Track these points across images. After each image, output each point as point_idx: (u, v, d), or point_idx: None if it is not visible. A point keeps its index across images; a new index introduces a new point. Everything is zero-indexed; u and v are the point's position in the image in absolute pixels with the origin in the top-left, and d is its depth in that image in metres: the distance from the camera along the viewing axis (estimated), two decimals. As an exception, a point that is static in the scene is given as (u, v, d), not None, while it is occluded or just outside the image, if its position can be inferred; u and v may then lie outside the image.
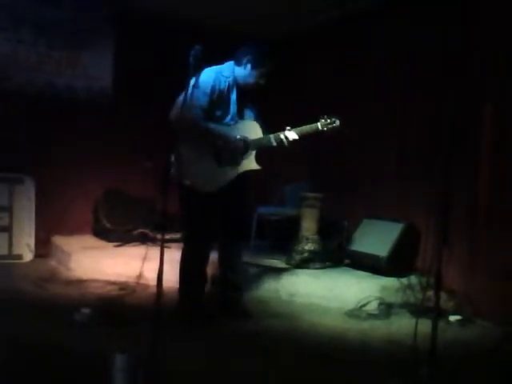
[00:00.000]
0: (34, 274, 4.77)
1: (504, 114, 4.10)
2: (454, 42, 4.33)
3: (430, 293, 3.09)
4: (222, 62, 3.69)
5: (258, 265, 4.79)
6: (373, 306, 4.16)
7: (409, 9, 4.84)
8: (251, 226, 5.15)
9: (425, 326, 2.85)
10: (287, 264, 4.86)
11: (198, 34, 4.11)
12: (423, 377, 2.68)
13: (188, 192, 3.56)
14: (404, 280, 4.41)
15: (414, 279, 4.38)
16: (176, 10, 5.62)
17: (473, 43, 4.28)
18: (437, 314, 2.83)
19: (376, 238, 4.78)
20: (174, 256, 3.58)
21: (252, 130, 3.68)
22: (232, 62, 3.69)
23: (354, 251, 4.91)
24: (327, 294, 4.34)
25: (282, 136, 3.59)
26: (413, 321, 3.01)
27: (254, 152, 3.66)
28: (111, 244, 5.38)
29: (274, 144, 3.62)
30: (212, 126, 3.58)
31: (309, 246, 4.84)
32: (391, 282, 4.45)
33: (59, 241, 5.46)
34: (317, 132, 3.64)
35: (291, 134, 3.59)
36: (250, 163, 3.66)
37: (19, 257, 5.31)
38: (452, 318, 3.93)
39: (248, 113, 3.76)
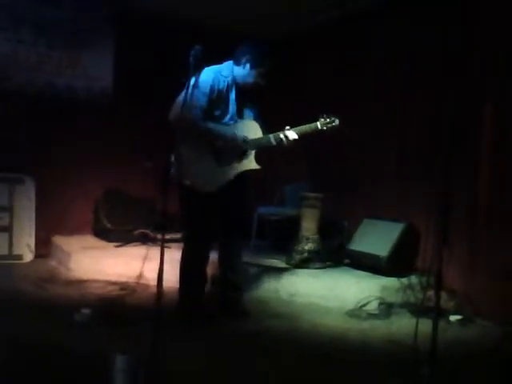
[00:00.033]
0: (34, 274, 4.77)
1: (504, 114, 4.10)
2: (454, 42, 4.33)
3: (431, 293, 3.09)
4: (222, 61, 3.69)
5: (258, 265, 4.79)
6: (373, 306, 4.16)
7: (409, 9, 4.84)
8: (251, 225, 5.15)
9: (425, 325, 2.85)
10: (287, 264, 4.86)
11: (198, 33, 4.11)
12: (424, 377, 2.68)
13: (188, 192, 3.55)
14: (404, 280, 4.41)
15: (414, 279, 4.38)
16: (176, 10, 5.62)
17: (473, 43, 4.28)
18: (437, 313, 2.83)
19: (376, 237, 4.78)
20: (174, 256, 3.57)
21: (251, 129, 3.68)
22: (231, 62, 3.69)
23: (354, 251, 4.91)
24: (327, 294, 4.34)
25: (282, 135, 3.59)
26: (413, 321, 3.02)
27: (253, 152, 3.66)
28: (111, 244, 5.38)
29: (274, 143, 3.62)
30: (211, 125, 3.58)
31: (309, 246, 4.84)
32: (391, 281, 4.45)
33: (59, 241, 5.46)
34: (316, 131, 3.63)
35: (291, 134, 3.59)
36: (250, 163, 3.66)
37: (19, 257, 5.31)
38: (452, 318, 3.93)
39: (247, 112, 3.76)
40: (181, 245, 3.78)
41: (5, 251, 5.25)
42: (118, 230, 5.55)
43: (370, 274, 4.66)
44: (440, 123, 4.26)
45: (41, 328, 3.33)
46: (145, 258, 3.42)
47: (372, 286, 4.37)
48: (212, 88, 3.56)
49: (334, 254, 5.04)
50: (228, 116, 3.66)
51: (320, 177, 5.58)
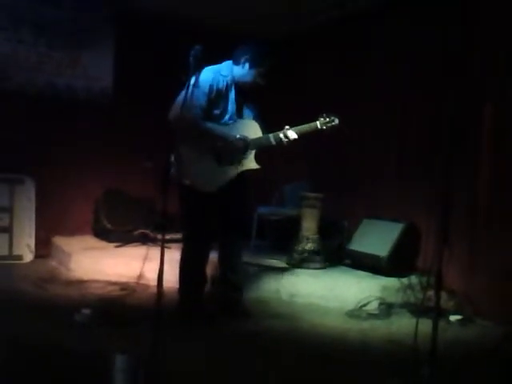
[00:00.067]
0: (35, 274, 4.77)
1: (504, 114, 4.10)
2: (454, 42, 4.33)
3: (431, 293, 3.09)
4: (221, 61, 3.69)
5: (258, 265, 4.79)
6: (373, 306, 4.17)
7: (409, 9, 4.83)
8: (251, 225, 5.15)
9: (425, 325, 2.85)
10: (287, 264, 4.86)
11: (198, 33, 4.10)
12: (424, 377, 2.68)
13: (188, 192, 3.55)
14: (404, 280, 4.41)
15: (414, 279, 4.37)
16: (176, 10, 5.62)
17: (473, 43, 4.28)
18: (437, 313, 2.83)
19: (376, 237, 4.78)
20: (174, 256, 3.58)
21: (251, 129, 3.68)
22: (230, 62, 3.69)
23: (354, 251, 4.91)
24: (327, 294, 4.34)
25: (282, 135, 3.59)
26: (413, 321, 3.02)
27: (253, 151, 3.66)
28: (112, 244, 5.38)
29: (274, 143, 3.62)
30: (211, 126, 3.58)
31: (309, 246, 4.84)
32: (391, 281, 4.45)
33: (59, 241, 5.46)
34: (316, 131, 3.63)
35: (290, 133, 3.59)
36: (250, 162, 3.66)
37: (19, 257, 5.31)
38: (452, 318, 3.93)
39: (247, 112, 3.76)
40: (181, 245, 3.78)
41: (5, 251, 5.25)
42: (118, 230, 5.55)
43: (370, 274, 4.66)
44: (440, 123, 4.26)
45: (41, 328, 3.33)
46: (145, 259, 3.42)
47: (372, 286, 4.37)
48: (211, 87, 3.56)
49: (334, 254, 5.04)
50: (227, 115, 3.66)
51: (320, 177, 5.58)
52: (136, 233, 5.50)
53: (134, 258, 4.51)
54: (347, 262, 5.00)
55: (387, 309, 4.12)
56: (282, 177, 5.88)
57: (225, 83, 3.63)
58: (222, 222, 3.77)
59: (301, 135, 3.62)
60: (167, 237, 2.61)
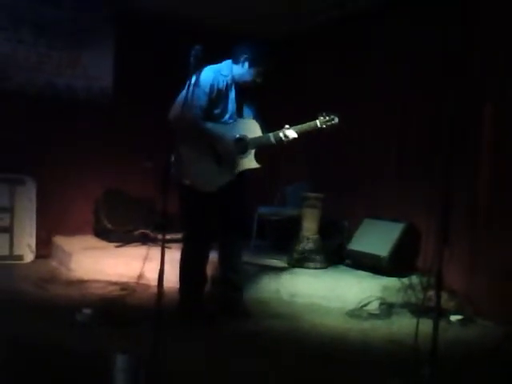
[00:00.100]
0: (35, 274, 4.77)
1: (504, 114, 4.10)
2: (454, 42, 4.32)
3: (431, 293, 3.09)
4: (221, 61, 3.69)
5: (258, 265, 4.79)
6: (374, 306, 4.16)
7: (409, 9, 4.83)
8: (251, 225, 5.15)
9: (426, 325, 2.84)
10: (287, 264, 4.86)
11: (198, 33, 4.11)
12: (424, 377, 2.68)
13: (188, 192, 3.55)
14: (405, 280, 4.41)
15: (414, 279, 4.37)
16: (176, 10, 5.62)
17: (473, 43, 4.28)
18: (438, 313, 2.83)
19: (376, 237, 4.78)
20: (174, 256, 3.58)
21: (251, 128, 3.68)
22: (230, 61, 3.69)
23: (355, 251, 4.91)
24: (328, 294, 4.34)
25: (282, 134, 3.59)
26: (414, 321, 3.02)
27: (253, 151, 3.66)
28: (112, 244, 5.38)
29: (274, 142, 3.62)
30: (210, 126, 3.58)
31: (309, 246, 4.84)
32: (392, 281, 4.45)
33: (60, 241, 5.46)
34: (316, 130, 3.63)
35: (290, 133, 3.59)
36: (250, 162, 3.66)
37: (20, 257, 5.31)
38: (453, 318, 3.93)
39: (247, 111, 3.77)
40: (181, 245, 3.78)
41: (5, 252, 5.25)
42: (118, 230, 5.55)
43: (371, 274, 4.66)
44: (440, 123, 4.26)
45: (41, 328, 3.33)
46: (145, 259, 3.42)
47: (373, 286, 4.37)
48: (212, 87, 3.56)
49: (335, 254, 5.04)
50: (227, 115, 3.67)
51: (320, 177, 5.58)
52: (136, 233, 5.50)
53: (134, 258, 4.51)
54: (347, 261, 5.00)
55: (388, 309, 4.12)
56: (282, 177, 5.88)
57: (225, 83, 3.63)
58: (221, 221, 3.77)
59: (301, 134, 3.62)
60: (167, 237, 2.61)
